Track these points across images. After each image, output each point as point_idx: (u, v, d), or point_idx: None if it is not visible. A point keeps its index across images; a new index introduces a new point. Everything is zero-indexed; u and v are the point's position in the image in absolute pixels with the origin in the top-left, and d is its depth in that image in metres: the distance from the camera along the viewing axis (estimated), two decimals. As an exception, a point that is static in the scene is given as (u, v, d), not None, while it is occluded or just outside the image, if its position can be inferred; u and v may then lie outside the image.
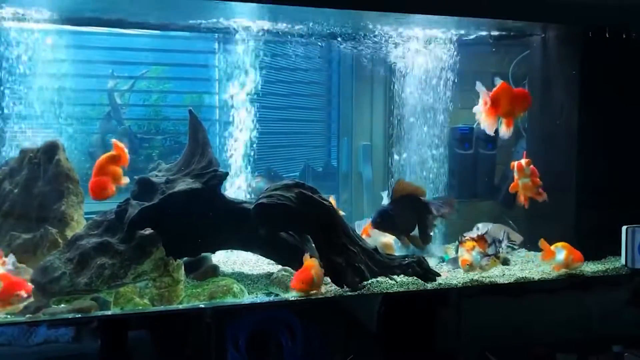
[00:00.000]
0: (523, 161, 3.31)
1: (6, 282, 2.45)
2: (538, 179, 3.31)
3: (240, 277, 3.19)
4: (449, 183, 3.96)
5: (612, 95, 3.58)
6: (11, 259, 2.60)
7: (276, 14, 3.33)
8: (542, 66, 3.86)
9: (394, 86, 4.01)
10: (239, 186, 3.77)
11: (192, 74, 4.18)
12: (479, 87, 3.13)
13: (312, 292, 2.80)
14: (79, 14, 3.39)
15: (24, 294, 2.47)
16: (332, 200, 3.36)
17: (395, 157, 4.03)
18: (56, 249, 2.84)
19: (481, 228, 3.78)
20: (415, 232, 3.25)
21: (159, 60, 4.06)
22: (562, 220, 3.66)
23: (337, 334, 2.92)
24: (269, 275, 3.22)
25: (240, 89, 3.78)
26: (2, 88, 3.33)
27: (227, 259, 3.51)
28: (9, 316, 2.48)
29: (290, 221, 2.91)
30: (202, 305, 2.75)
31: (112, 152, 2.98)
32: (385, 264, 2.98)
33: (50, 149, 3.04)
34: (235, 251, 3.53)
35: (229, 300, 2.83)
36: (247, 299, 2.89)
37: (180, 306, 2.78)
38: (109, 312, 2.64)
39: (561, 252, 3.28)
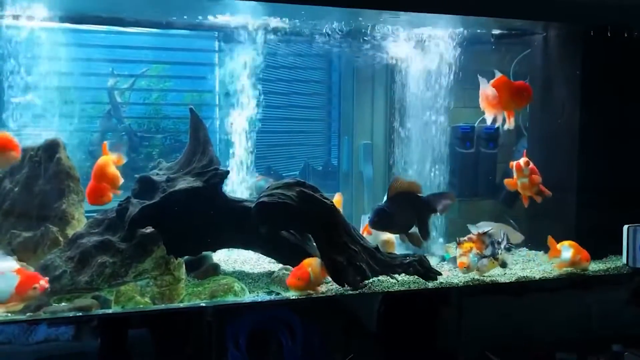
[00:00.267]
0: (522, 161, 3.29)
1: (23, 275, 2.44)
2: (535, 179, 3.30)
3: (241, 275, 3.19)
4: (450, 182, 3.95)
5: (613, 94, 3.58)
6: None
7: (277, 11, 3.33)
8: (543, 65, 3.86)
9: (394, 85, 4.00)
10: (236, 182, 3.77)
11: (193, 72, 4.18)
12: (480, 79, 3.14)
13: (309, 290, 2.80)
14: (79, 12, 3.38)
15: (40, 286, 2.46)
16: (339, 197, 3.35)
17: (396, 155, 4.02)
18: (57, 247, 2.84)
19: (482, 227, 3.79)
20: (414, 229, 3.23)
21: (159, 59, 4.05)
22: (563, 220, 3.66)
23: (338, 333, 2.92)
24: (269, 274, 3.22)
25: (240, 87, 3.77)
26: (1, 86, 3.32)
27: (228, 258, 3.51)
28: (9, 314, 2.47)
29: (291, 220, 2.90)
30: (203, 304, 2.75)
31: (109, 156, 2.95)
32: (386, 263, 2.98)
33: (51, 147, 3.03)
34: (236, 250, 3.53)
35: (230, 299, 2.83)
36: (248, 297, 2.89)
37: (181, 305, 2.78)
38: (110, 311, 2.64)
39: (568, 250, 3.29)
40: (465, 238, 3.16)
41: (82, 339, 2.52)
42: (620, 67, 3.55)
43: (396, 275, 3.00)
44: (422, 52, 3.82)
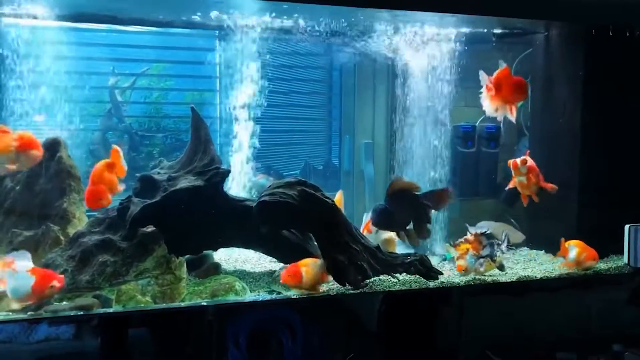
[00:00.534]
0: (518, 159, 3.28)
1: (38, 274, 2.45)
2: (533, 177, 3.28)
3: (242, 275, 3.19)
4: (451, 181, 3.95)
5: (615, 94, 3.58)
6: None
7: (277, 10, 3.32)
8: (545, 64, 3.86)
9: (395, 83, 3.99)
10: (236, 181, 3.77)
11: (193, 71, 4.17)
12: (482, 74, 3.14)
13: (302, 289, 2.79)
14: (80, 11, 3.37)
15: (57, 284, 2.47)
16: (339, 195, 3.35)
17: (397, 154, 4.02)
18: (58, 246, 2.84)
19: (482, 226, 3.78)
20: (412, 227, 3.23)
21: (160, 58, 4.05)
22: (564, 219, 3.66)
23: (339, 333, 2.92)
24: (270, 273, 3.21)
25: (241, 86, 3.77)
26: (2, 85, 3.32)
27: (229, 257, 3.50)
28: (10, 313, 2.47)
29: (293, 219, 2.90)
30: (204, 303, 2.74)
31: (109, 160, 2.96)
32: (387, 262, 2.98)
33: (52, 146, 3.03)
34: (237, 249, 3.52)
35: (231, 298, 2.83)
36: (249, 296, 2.88)
37: (183, 304, 2.78)
38: (111, 310, 2.64)
39: (573, 249, 3.29)
40: (462, 240, 3.15)
41: (83, 338, 2.52)
42: (622, 66, 3.54)
43: (397, 275, 3.00)
44: (423, 50, 3.82)
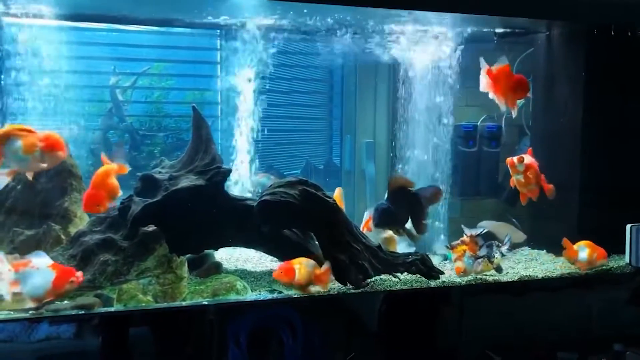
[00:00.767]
0: (515, 158, 3.27)
1: (58, 270, 2.46)
2: (531, 176, 3.26)
3: (243, 274, 3.19)
4: (452, 180, 3.94)
5: (617, 93, 3.57)
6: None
7: (279, 9, 3.32)
8: (546, 64, 3.85)
9: (397, 83, 3.99)
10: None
11: (194, 70, 4.17)
12: (482, 62, 3.16)
13: (295, 288, 2.78)
14: (81, 11, 3.37)
15: (77, 279, 2.48)
16: (339, 192, 3.34)
17: (398, 153, 4.02)
18: (59, 245, 2.84)
19: (484, 226, 3.78)
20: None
21: (161, 57, 4.05)
22: (565, 219, 3.66)
23: (340, 332, 2.91)
24: (271, 272, 3.20)
25: (242, 86, 3.77)
26: (3, 84, 3.32)
27: (230, 256, 3.50)
28: (12, 312, 2.47)
29: (294, 218, 2.90)
30: (206, 303, 2.74)
31: (112, 166, 2.91)
32: (388, 262, 2.98)
33: (54, 145, 3.02)
34: (238, 248, 3.52)
35: (232, 297, 2.83)
36: (250, 296, 2.88)
37: (184, 303, 2.78)
38: (112, 309, 2.64)
39: (584, 250, 3.30)
40: (458, 241, 3.15)
41: (84, 338, 2.52)
42: (624, 66, 3.54)
43: (398, 274, 3.00)
44: (424, 50, 3.82)
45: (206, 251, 3.16)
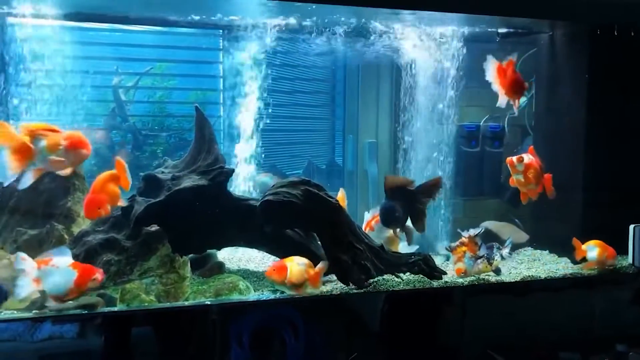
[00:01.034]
0: (515, 157, 3.25)
1: (80, 269, 2.46)
2: (530, 176, 3.23)
3: (245, 274, 3.19)
4: (455, 181, 3.94)
5: (619, 93, 3.57)
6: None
7: (282, 10, 3.32)
8: (549, 64, 3.84)
9: (399, 83, 3.99)
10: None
11: (197, 70, 4.18)
12: (490, 58, 3.17)
13: (287, 285, 2.76)
14: (84, 10, 3.38)
15: (99, 277, 2.48)
16: (342, 193, 3.34)
17: (401, 153, 4.01)
18: (62, 245, 2.83)
19: (486, 226, 3.78)
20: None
21: (164, 57, 4.05)
22: (568, 219, 3.65)
23: (342, 332, 2.91)
24: (273, 272, 3.21)
25: (245, 86, 3.77)
26: (7, 84, 3.33)
27: (233, 256, 3.51)
28: (15, 312, 2.48)
29: (296, 218, 2.90)
30: (208, 302, 2.75)
31: (114, 172, 2.88)
32: (391, 262, 2.98)
33: (56, 145, 3.03)
34: (240, 248, 3.52)
35: (235, 297, 2.83)
36: (252, 296, 2.88)
37: (186, 303, 2.78)
38: (115, 309, 2.64)
39: (594, 249, 3.29)
40: (457, 243, 3.15)
41: (87, 337, 2.53)
42: (627, 66, 3.53)
43: (401, 274, 3.00)
44: (427, 50, 3.81)
45: (209, 251, 3.16)
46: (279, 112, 4.06)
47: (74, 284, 2.43)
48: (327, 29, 3.62)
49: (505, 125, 4.14)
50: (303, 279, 2.76)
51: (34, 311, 2.47)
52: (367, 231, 3.23)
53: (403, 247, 3.38)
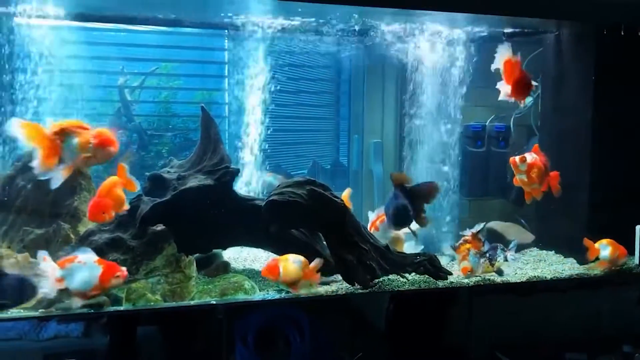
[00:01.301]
0: (517, 157, 3.22)
1: (105, 265, 2.48)
2: (534, 175, 3.20)
3: (251, 273, 3.19)
4: (460, 181, 3.93)
5: (626, 93, 3.55)
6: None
7: (287, 10, 3.33)
8: (555, 64, 3.83)
9: (405, 83, 3.98)
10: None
11: (202, 70, 4.18)
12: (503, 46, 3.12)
13: (282, 283, 2.77)
14: (90, 11, 3.39)
15: (122, 274, 2.50)
16: (347, 192, 3.34)
17: (406, 154, 4.01)
18: (68, 244, 2.84)
19: (492, 227, 3.77)
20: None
21: (169, 57, 4.06)
22: (574, 219, 3.64)
23: (347, 332, 2.91)
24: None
25: (250, 86, 3.77)
26: (13, 84, 3.34)
27: (238, 256, 3.51)
28: (22, 311, 2.49)
29: (302, 218, 2.90)
30: (214, 302, 2.75)
31: (120, 178, 2.82)
32: (397, 262, 2.98)
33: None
34: (246, 248, 3.53)
35: (240, 296, 2.83)
36: (257, 295, 2.89)
37: (192, 302, 2.79)
38: (121, 308, 2.65)
39: (606, 248, 3.28)
40: (461, 241, 3.14)
41: (93, 336, 2.54)
42: (633, 65, 3.52)
43: (406, 275, 3.00)
44: (433, 50, 3.81)
45: (214, 251, 3.17)
46: (284, 113, 4.06)
47: (99, 280, 2.45)
48: (332, 29, 3.62)
49: (511, 125, 4.13)
50: (297, 276, 2.76)
51: (40, 310, 2.48)
52: (371, 231, 3.22)
53: (408, 247, 3.38)
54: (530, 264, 3.57)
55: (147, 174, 3.04)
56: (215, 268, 3.11)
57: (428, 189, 3.11)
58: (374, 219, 3.36)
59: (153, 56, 4.02)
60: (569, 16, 3.45)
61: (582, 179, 3.62)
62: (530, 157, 3.21)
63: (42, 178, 2.55)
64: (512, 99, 3.23)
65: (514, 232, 3.87)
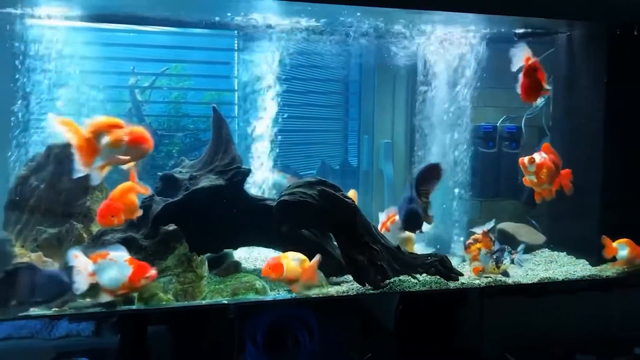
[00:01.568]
0: (526, 158, 3.19)
1: (135, 265, 2.50)
2: (543, 176, 3.17)
3: (261, 273, 3.19)
4: (471, 181, 3.92)
5: (638, 93, 3.52)
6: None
7: (298, 10, 3.33)
8: (567, 64, 3.81)
9: (416, 84, 3.97)
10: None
11: (212, 71, 4.19)
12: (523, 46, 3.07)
13: (284, 282, 2.76)
14: (101, 11, 3.41)
15: (152, 274, 2.52)
16: (353, 193, 3.35)
17: (417, 154, 4.00)
18: (81, 243, 2.86)
19: (504, 227, 3.75)
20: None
21: (180, 58, 4.07)
22: (585, 220, 3.62)
23: (357, 332, 2.91)
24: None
25: (260, 86, 3.78)
26: (24, 86, 3.37)
27: (249, 256, 3.52)
28: (35, 310, 2.51)
29: (312, 218, 2.90)
30: (225, 302, 2.76)
31: (135, 185, 2.80)
32: (407, 263, 2.97)
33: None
34: (256, 248, 3.53)
35: (252, 296, 2.84)
36: (268, 295, 2.89)
37: (204, 302, 2.79)
38: (134, 307, 2.66)
39: (624, 248, 3.26)
40: (471, 240, 3.13)
41: (105, 335, 2.55)
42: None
43: (417, 275, 2.99)
44: (444, 50, 3.80)
45: (225, 250, 3.17)
46: (293, 113, 4.07)
47: (128, 280, 2.46)
48: (343, 30, 3.62)
49: (522, 126, 4.11)
50: (299, 275, 2.75)
51: (53, 309, 2.50)
52: (382, 232, 3.22)
53: (419, 248, 3.37)
54: (542, 265, 3.55)
55: (159, 173, 3.06)
56: (226, 268, 3.11)
57: (431, 172, 3.10)
58: (385, 220, 3.36)
59: (163, 57, 4.03)
60: (581, 16, 3.43)
61: (594, 179, 3.60)
62: (539, 157, 3.17)
63: (77, 176, 2.52)
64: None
65: (525, 233, 3.86)
